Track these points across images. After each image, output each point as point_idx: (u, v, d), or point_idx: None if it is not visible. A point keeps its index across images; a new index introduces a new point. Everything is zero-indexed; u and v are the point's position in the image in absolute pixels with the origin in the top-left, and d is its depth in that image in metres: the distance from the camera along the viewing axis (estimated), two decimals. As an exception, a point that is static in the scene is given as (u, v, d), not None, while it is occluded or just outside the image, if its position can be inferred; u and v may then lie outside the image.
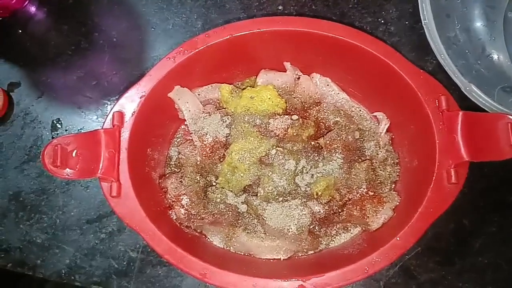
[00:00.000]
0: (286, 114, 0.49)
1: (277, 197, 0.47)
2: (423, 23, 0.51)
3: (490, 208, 0.53)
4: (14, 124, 0.55)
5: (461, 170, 0.42)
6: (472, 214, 0.53)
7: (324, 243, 0.49)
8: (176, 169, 0.52)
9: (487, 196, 0.53)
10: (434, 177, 0.42)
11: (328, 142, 0.48)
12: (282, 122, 0.47)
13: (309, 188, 0.47)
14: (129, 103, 0.44)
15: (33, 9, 0.58)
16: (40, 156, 0.41)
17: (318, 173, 0.48)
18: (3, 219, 0.53)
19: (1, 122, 0.55)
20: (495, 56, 0.55)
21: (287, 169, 0.46)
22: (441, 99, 0.43)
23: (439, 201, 0.42)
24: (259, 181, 0.47)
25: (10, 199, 0.53)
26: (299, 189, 0.47)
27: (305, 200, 0.47)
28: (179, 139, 0.53)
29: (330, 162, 0.48)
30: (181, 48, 0.46)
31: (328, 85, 0.53)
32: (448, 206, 0.42)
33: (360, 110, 0.53)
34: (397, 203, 0.47)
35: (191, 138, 0.50)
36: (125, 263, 0.52)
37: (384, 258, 0.41)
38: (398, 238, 0.41)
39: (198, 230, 0.49)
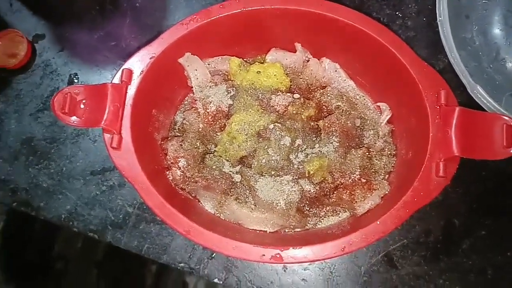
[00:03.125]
0: (289, 93, 0.50)
1: (270, 170, 0.48)
2: (438, 20, 0.51)
3: (483, 211, 0.53)
4: (35, 73, 0.58)
5: (451, 165, 0.43)
6: (464, 215, 0.53)
7: (312, 222, 0.51)
8: (179, 134, 0.53)
9: (481, 199, 0.53)
10: (422, 168, 0.43)
11: (326, 124, 0.49)
12: (284, 99, 0.49)
13: (301, 166, 0.49)
14: (139, 62, 0.46)
15: (65, -33, 0.61)
16: (50, 102, 0.43)
17: (313, 153, 0.49)
18: (14, 160, 0.56)
19: (23, 70, 0.58)
20: (508, 62, 0.54)
21: (283, 144, 0.48)
22: (440, 93, 0.44)
23: (424, 192, 0.42)
24: (255, 153, 0.49)
25: (22, 143, 0.56)
26: (292, 165, 0.48)
27: (296, 177, 0.49)
28: (186, 106, 0.55)
29: (327, 145, 0.49)
30: (195, 16, 0.47)
31: (336, 70, 0.53)
32: (432, 199, 0.42)
33: (364, 99, 0.53)
34: (386, 192, 0.48)
35: (196, 106, 0.52)
36: (121, 216, 0.54)
37: (361, 240, 0.42)
38: (378, 222, 0.42)
39: (192, 194, 0.51)
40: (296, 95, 0.49)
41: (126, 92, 0.45)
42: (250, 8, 0.48)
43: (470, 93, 0.49)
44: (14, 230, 0.93)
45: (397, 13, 0.57)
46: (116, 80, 0.46)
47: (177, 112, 0.55)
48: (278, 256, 0.42)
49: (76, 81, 0.58)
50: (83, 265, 0.95)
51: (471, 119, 0.42)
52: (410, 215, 0.42)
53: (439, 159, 0.43)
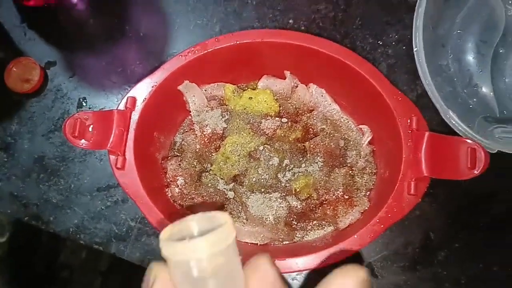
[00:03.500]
0: (278, 117, 0.55)
1: (260, 188, 0.53)
2: (414, 50, 0.56)
3: (458, 226, 0.57)
4: (47, 97, 0.63)
5: (421, 184, 0.47)
6: (440, 229, 0.57)
7: (299, 236, 0.55)
8: (178, 154, 0.58)
9: (457, 214, 0.58)
10: (396, 187, 0.48)
11: (312, 146, 0.54)
12: (273, 123, 0.53)
13: (289, 184, 0.53)
14: (142, 90, 0.51)
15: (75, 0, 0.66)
16: (62, 126, 0.48)
17: (299, 172, 0.54)
18: (26, 177, 0.61)
19: (36, 94, 0.63)
20: (481, 88, 0.59)
21: (271, 164, 0.52)
22: (412, 119, 0.49)
23: (398, 208, 0.47)
24: (246, 172, 0.54)
25: (34, 162, 0.61)
26: (280, 183, 0.53)
27: (284, 194, 0.53)
28: (185, 128, 0.60)
29: (312, 164, 0.54)
30: (193, 48, 0.53)
31: (322, 95, 0.58)
32: (404, 215, 0.47)
33: (348, 121, 0.58)
34: (366, 208, 0.53)
35: (194, 128, 0.57)
36: (124, 229, 0.59)
37: (340, 252, 0.46)
38: (355, 236, 0.47)
39: (189, 210, 0.56)
40: (284, 119, 0.54)
41: (130, 118, 0.51)
42: (242, 41, 0.53)
43: (443, 117, 0.54)
44: (21, 241, 0.98)
45: (379, 42, 0.62)
46: (122, 106, 0.51)
47: (177, 134, 0.60)
48: (265, 266, 0.46)
49: (84, 104, 0.63)
50: (88, 274, 1.00)
51: (439, 142, 0.47)
52: (384, 230, 0.47)
53: (411, 178, 0.47)
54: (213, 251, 0.24)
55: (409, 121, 0.49)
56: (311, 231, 0.55)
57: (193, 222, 0.27)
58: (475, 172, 0.45)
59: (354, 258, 0.55)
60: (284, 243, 0.55)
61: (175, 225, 0.26)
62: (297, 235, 0.55)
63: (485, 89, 0.59)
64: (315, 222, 0.55)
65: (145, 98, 0.51)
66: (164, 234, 0.26)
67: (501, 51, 0.60)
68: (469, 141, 0.45)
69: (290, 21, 0.64)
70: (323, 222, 0.55)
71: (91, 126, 0.49)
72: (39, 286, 1.01)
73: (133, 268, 0.59)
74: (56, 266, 1.00)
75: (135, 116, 0.51)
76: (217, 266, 0.25)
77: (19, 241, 0.98)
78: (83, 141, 0.49)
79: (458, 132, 0.54)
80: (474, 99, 0.59)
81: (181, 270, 0.25)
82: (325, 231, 0.55)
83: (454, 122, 0.54)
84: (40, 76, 0.63)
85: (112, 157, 0.50)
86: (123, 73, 0.64)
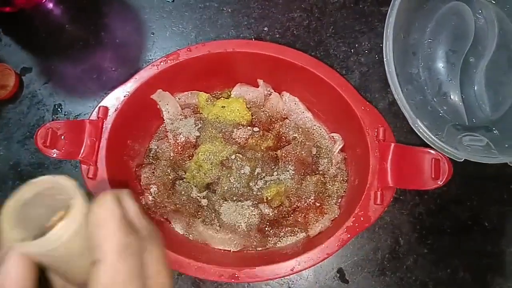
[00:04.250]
0: (250, 126, 0.56)
1: (232, 196, 0.54)
2: (384, 60, 0.57)
3: (426, 231, 0.59)
4: (22, 103, 0.64)
5: (387, 194, 0.49)
6: (408, 234, 0.59)
7: (272, 242, 0.56)
8: (153, 161, 0.59)
9: (424, 220, 0.59)
10: (363, 197, 0.49)
11: (283, 154, 0.55)
12: (244, 132, 0.54)
13: (260, 192, 0.54)
14: (114, 100, 0.52)
15: (50, 5, 0.66)
16: (34, 136, 0.49)
17: (271, 180, 0.55)
18: (2, 184, 0.61)
19: (11, 101, 0.63)
20: (450, 96, 0.60)
21: (243, 173, 0.53)
22: (379, 130, 0.50)
23: (364, 217, 0.48)
24: (219, 181, 0.54)
25: (9, 168, 0.62)
26: (251, 192, 0.54)
27: (256, 202, 0.54)
28: (160, 135, 0.60)
29: (284, 172, 0.55)
30: (165, 58, 0.53)
31: (295, 103, 0.59)
32: (371, 224, 0.48)
33: (320, 129, 0.59)
34: (336, 216, 0.54)
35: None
36: (99, 236, 0.59)
37: (308, 260, 0.47)
38: (323, 245, 0.48)
39: (164, 216, 0.57)
40: (256, 129, 0.55)
41: (102, 127, 0.51)
42: (214, 51, 0.53)
43: (412, 126, 0.55)
44: None
45: (351, 50, 0.63)
46: (94, 116, 0.51)
47: (152, 141, 0.60)
48: (235, 275, 0.48)
49: (60, 110, 0.63)
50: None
51: (405, 153, 0.48)
52: (351, 239, 0.48)
53: (377, 188, 0.49)
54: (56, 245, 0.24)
55: (376, 131, 0.50)
56: (284, 237, 0.56)
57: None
58: (439, 182, 0.46)
59: (326, 263, 0.57)
60: (257, 249, 0.56)
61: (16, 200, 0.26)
62: (270, 242, 0.56)
63: (454, 97, 0.60)
64: (287, 228, 0.56)
65: (117, 108, 0.52)
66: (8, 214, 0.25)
67: (471, 60, 0.61)
68: (432, 151, 0.47)
69: (265, 28, 0.64)
70: (295, 228, 0.56)
71: (63, 136, 0.49)
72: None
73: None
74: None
75: (107, 125, 0.51)
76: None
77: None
78: (54, 150, 0.49)
79: (426, 141, 0.55)
80: (444, 107, 0.60)
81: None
82: (297, 237, 0.56)
83: (422, 131, 0.55)
84: (16, 82, 0.63)
85: (84, 167, 0.50)
86: (99, 80, 0.64)
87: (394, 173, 0.48)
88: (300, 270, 0.47)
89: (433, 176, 0.47)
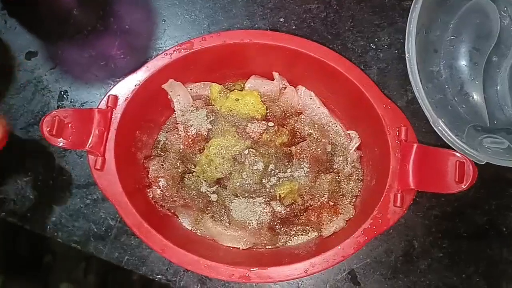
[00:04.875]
0: (265, 120, 0.54)
1: (243, 193, 0.52)
2: (406, 56, 0.54)
3: (441, 234, 0.57)
4: (27, 89, 0.61)
5: (407, 196, 0.47)
6: (423, 237, 0.57)
7: (283, 240, 0.54)
8: (161, 153, 0.57)
9: (439, 223, 0.57)
10: (382, 198, 0.47)
11: (298, 151, 0.53)
12: (259, 126, 0.52)
13: (273, 190, 0.52)
14: (124, 89, 0.49)
15: (59, -11, 0.64)
16: (39, 123, 0.46)
17: (284, 177, 0.53)
18: (4, 172, 0.59)
19: (15, 86, 0.61)
20: (472, 96, 0.58)
21: (256, 169, 0.51)
22: (401, 129, 0.48)
23: (383, 220, 0.46)
24: (230, 176, 0.52)
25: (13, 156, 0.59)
26: (264, 189, 0.52)
27: (268, 199, 0.52)
28: (169, 126, 0.58)
29: (298, 170, 0.53)
30: (178, 47, 0.51)
31: (311, 98, 0.57)
32: (389, 227, 0.46)
33: (336, 126, 0.57)
34: (351, 216, 0.52)
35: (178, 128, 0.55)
36: (103, 228, 0.57)
37: (323, 263, 0.46)
38: (339, 247, 0.46)
39: (172, 211, 0.55)
40: (271, 123, 0.53)
41: (111, 117, 0.49)
42: (230, 42, 0.51)
43: (432, 126, 0.53)
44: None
45: (370, 44, 0.61)
46: (102, 105, 0.49)
47: (161, 132, 0.58)
48: (246, 275, 0.46)
49: (65, 97, 0.61)
50: (72, 258, 0.98)
51: (428, 155, 0.46)
52: (368, 241, 0.46)
53: (397, 190, 0.47)
54: None
55: (398, 131, 0.48)
56: (294, 236, 0.54)
57: None
58: (463, 186, 0.44)
59: (338, 264, 0.55)
60: (267, 247, 0.54)
61: None
62: (280, 240, 0.54)
63: (476, 98, 0.58)
64: (299, 227, 0.54)
65: (127, 97, 0.49)
66: None
67: (494, 59, 0.59)
68: (458, 154, 0.45)
69: (281, 19, 0.62)
70: (307, 227, 0.54)
71: (70, 125, 0.47)
72: (22, 271, 0.99)
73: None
74: (39, 251, 0.98)
75: (116, 115, 0.49)
76: None
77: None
78: (61, 139, 0.47)
79: (446, 141, 0.53)
80: (465, 107, 0.58)
81: None
82: (308, 236, 0.54)
83: (443, 131, 0.53)
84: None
85: (91, 157, 0.48)
86: (107, 67, 0.62)
87: (416, 175, 0.46)
88: (314, 273, 0.46)
89: (456, 180, 0.44)
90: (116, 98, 0.49)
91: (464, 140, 0.53)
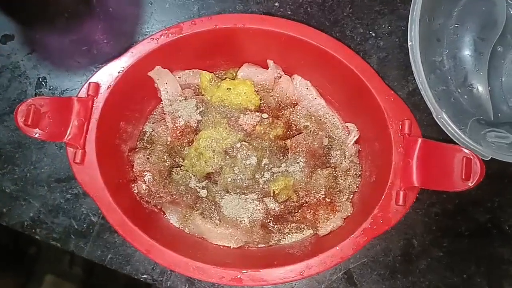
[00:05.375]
0: (258, 111, 0.50)
1: (235, 188, 0.49)
2: (408, 44, 0.51)
3: (441, 233, 0.54)
4: (2, 75, 0.57)
5: (410, 194, 0.44)
6: (423, 236, 0.54)
7: (276, 239, 0.51)
8: (147, 145, 0.53)
9: (440, 221, 0.55)
10: (383, 196, 0.44)
11: (294, 144, 0.50)
12: (252, 118, 0.49)
13: (267, 186, 0.49)
14: (107, 76, 0.46)
15: (37, -33, 0.59)
16: (14, 112, 0.42)
17: (278, 172, 0.49)
18: (-22, 164, 0.55)
19: (-10, 72, 0.57)
20: (476, 88, 0.55)
21: (249, 164, 0.48)
22: (405, 123, 0.45)
23: (384, 219, 0.43)
24: (221, 171, 0.49)
25: (-14, 147, 0.55)
26: (257, 184, 0.49)
27: (261, 196, 0.49)
28: (156, 117, 0.54)
29: (293, 164, 0.50)
30: (166, 31, 0.47)
31: (307, 88, 0.54)
32: (391, 226, 0.43)
33: (334, 118, 0.54)
34: (349, 214, 0.49)
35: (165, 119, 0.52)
36: (85, 225, 0.54)
37: (320, 264, 0.43)
38: (337, 248, 0.43)
39: (158, 207, 0.51)
40: (265, 115, 0.49)
41: (92, 106, 0.45)
42: (222, 26, 0.47)
43: (435, 118, 0.50)
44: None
45: (370, 32, 0.58)
46: (83, 93, 0.45)
47: (147, 123, 0.54)
48: (238, 278, 0.43)
49: (44, 85, 0.57)
50: (56, 250, 0.94)
51: (432, 150, 0.43)
52: (368, 242, 0.43)
53: (400, 188, 0.44)
54: None
55: (401, 125, 0.45)
56: (288, 234, 0.51)
57: None
58: (470, 184, 0.41)
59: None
60: (259, 246, 0.51)
61: None
62: (273, 238, 0.51)
63: (481, 89, 0.55)
64: (293, 224, 0.51)
65: (110, 85, 0.46)
66: None
67: (499, 49, 0.56)
68: (465, 150, 0.42)
69: (276, 4, 0.58)
70: (302, 225, 0.51)
71: (47, 114, 0.43)
72: (5, 263, 0.95)
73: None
74: (23, 242, 0.95)
75: (98, 104, 0.45)
76: None
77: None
78: (37, 130, 0.43)
79: (449, 135, 0.50)
80: (468, 100, 0.56)
81: None
82: (303, 234, 0.51)
83: (445, 124, 0.50)
84: None
85: (70, 150, 0.44)
86: (89, 53, 0.58)
87: (420, 172, 0.43)
88: (311, 275, 0.43)
89: (463, 177, 0.42)
90: (97, 86, 0.45)
91: (467, 134, 0.51)
